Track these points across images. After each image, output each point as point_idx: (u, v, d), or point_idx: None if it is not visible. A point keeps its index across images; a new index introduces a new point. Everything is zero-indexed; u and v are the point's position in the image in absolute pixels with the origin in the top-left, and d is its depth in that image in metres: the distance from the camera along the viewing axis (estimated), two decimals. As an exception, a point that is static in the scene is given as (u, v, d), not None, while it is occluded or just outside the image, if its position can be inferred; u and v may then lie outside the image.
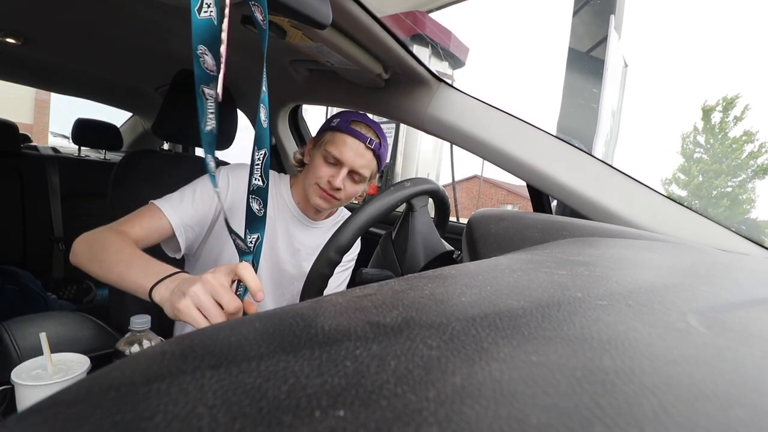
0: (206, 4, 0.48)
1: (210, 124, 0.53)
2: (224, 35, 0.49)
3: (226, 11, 0.49)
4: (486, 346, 0.17)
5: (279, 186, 0.97)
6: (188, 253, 0.92)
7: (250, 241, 0.66)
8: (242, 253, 0.68)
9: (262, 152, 0.62)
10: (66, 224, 1.84)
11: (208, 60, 0.50)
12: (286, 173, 1.02)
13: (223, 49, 0.49)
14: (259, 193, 0.64)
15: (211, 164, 0.56)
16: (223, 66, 0.50)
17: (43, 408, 0.13)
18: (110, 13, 0.99)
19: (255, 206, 0.65)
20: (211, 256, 0.91)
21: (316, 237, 1.00)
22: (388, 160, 3.49)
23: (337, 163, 0.88)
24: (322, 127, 0.94)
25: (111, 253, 0.68)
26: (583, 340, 0.18)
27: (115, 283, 0.67)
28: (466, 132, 0.90)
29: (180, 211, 0.82)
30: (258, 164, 0.63)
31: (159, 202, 0.82)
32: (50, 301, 1.57)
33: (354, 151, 0.86)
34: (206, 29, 0.49)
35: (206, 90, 0.51)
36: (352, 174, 0.89)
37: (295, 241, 0.97)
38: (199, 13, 0.48)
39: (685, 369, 0.16)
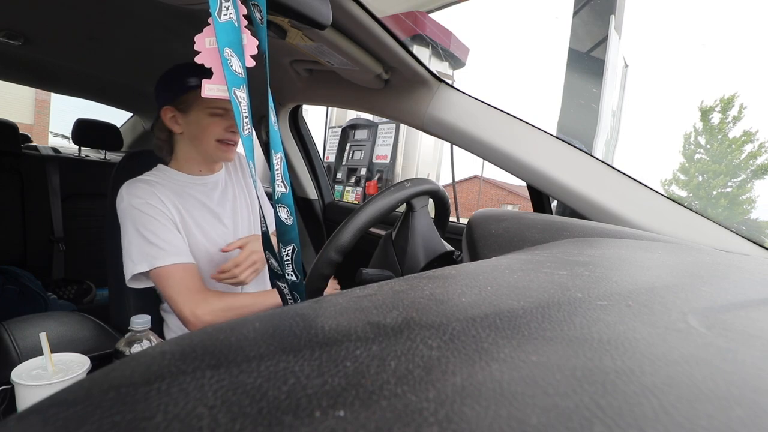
0: (225, 6, 0.48)
1: (247, 128, 0.53)
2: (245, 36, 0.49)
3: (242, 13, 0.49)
4: (486, 346, 0.17)
5: (168, 179, 0.94)
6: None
7: (287, 254, 0.65)
8: (276, 277, 0.67)
9: (278, 156, 0.61)
10: (66, 224, 1.84)
11: (235, 62, 0.50)
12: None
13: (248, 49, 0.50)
14: (284, 200, 0.62)
15: (253, 171, 0.57)
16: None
17: (43, 408, 0.13)
18: (110, 13, 0.99)
19: (283, 215, 0.63)
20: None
21: (227, 188, 1.03)
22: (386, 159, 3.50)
23: (226, 112, 0.89)
24: (171, 91, 0.92)
25: (247, 308, 0.87)
26: (583, 340, 0.18)
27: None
28: (466, 132, 0.90)
29: (179, 249, 0.86)
30: (277, 170, 0.61)
31: (165, 263, 0.84)
32: (50, 301, 1.57)
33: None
34: (229, 31, 0.49)
35: (238, 93, 0.51)
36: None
37: (216, 193, 0.99)
38: (220, 17, 0.48)
39: (685, 369, 0.16)
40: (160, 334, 0.97)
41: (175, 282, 0.83)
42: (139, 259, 0.83)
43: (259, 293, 0.93)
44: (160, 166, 0.98)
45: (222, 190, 1.01)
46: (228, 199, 1.01)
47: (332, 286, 1.05)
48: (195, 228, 0.92)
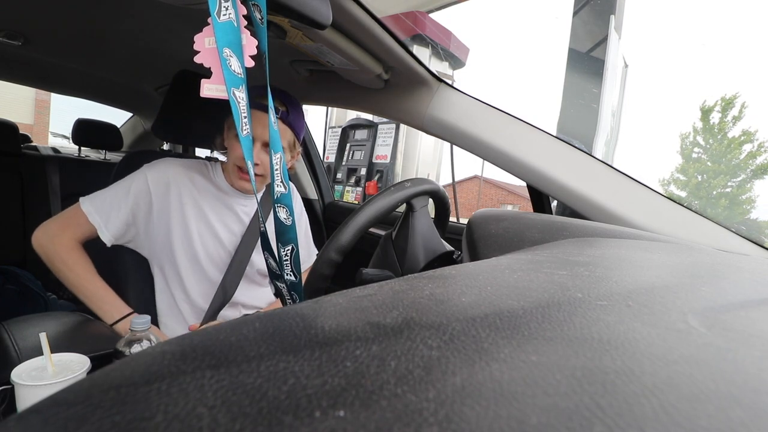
0: (224, 6, 0.48)
1: (246, 129, 0.53)
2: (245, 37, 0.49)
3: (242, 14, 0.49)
4: (486, 346, 0.17)
5: (213, 175, 0.99)
6: (122, 243, 0.94)
7: (285, 254, 0.65)
8: (275, 277, 0.66)
9: (278, 156, 0.61)
10: (66, 224, 1.84)
11: (234, 62, 0.50)
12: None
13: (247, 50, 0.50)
14: (283, 200, 0.62)
15: (251, 171, 0.56)
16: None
17: (43, 408, 0.13)
18: (110, 13, 0.99)
19: (282, 215, 0.63)
20: (158, 240, 0.94)
21: (255, 205, 1.02)
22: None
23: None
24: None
25: (70, 276, 0.86)
26: (583, 340, 0.18)
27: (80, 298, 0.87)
28: (466, 132, 0.90)
29: (104, 213, 0.89)
30: (277, 170, 0.61)
31: (85, 207, 0.88)
32: (50, 301, 1.57)
33: (261, 124, 0.88)
34: (228, 31, 0.49)
35: (237, 93, 0.51)
36: (267, 145, 0.90)
37: (242, 212, 0.99)
38: (219, 17, 0.48)
39: (685, 369, 0.16)
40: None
41: (66, 213, 0.89)
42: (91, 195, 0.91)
43: (91, 279, 0.89)
44: (216, 164, 1.02)
45: (245, 212, 1.00)
46: (237, 221, 1.00)
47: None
48: (190, 221, 0.93)
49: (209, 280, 0.96)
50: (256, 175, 0.89)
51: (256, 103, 0.86)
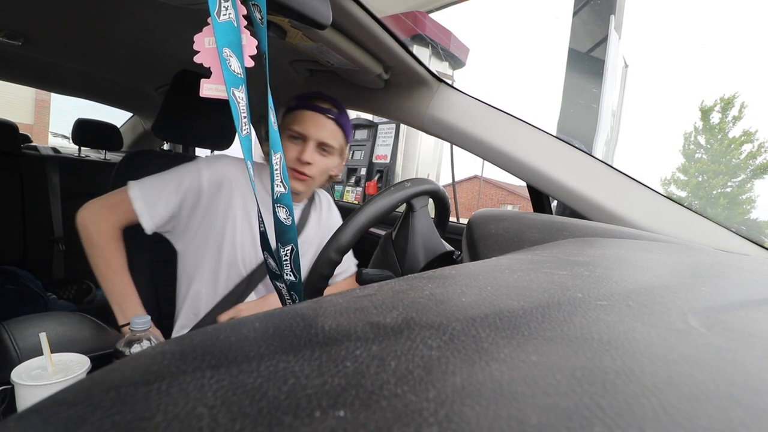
0: (224, 6, 0.48)
1: (246, 128, 0.53)
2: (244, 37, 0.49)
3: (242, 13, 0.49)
4: (486, 346, 0.17)
5: (261, 176, 0.98)
6: (160, 232, 0.93)
7: (285, 254, 0.65)
8: (275, 277, 0.66)
9: (278, 156, 0.61)
10: (66, 224, 1.84)
11: (234, 62, 0.50)
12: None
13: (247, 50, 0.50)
14: (283, 200, 0.62)
15: (251, 171, 0.57)
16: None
17: (43, 408, 0.13)
18: (110, 13, 0.99)
19: (282, 215, 0.63)
20: (197, 236, 0.93)
21: (297, 215, 1.01)
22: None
23: (303, 138, 0.90)
24: (283, 111, 0.97)
25: (102, 264, 0.86)
26: (583, 340, 0.18)
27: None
28: (466, 132, 0.90)
29: (150, 202, 0.88)
30: (277, 169, 0.61)
31: (132, 193, 0.87)
32: (50, 301, 1.57)
33: (315, 124, 0.89)
34: (228, 31, 0.49)
35: (236, 93, 0.51)
36: (320, 147, 0.91)
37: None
38: (219, 17, 0.48)
39: (685, 369, 0.16)
40: (166, 333, 0.97)
41: (113, 197, 0.89)
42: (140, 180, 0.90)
43: (119, 279, 0.88)
44: (265, 166, 1.00)
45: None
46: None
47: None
48: (237, 227, 0.93)
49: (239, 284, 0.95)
50: (307, 176, 0.91)
51: (310, 104, 0.90)
